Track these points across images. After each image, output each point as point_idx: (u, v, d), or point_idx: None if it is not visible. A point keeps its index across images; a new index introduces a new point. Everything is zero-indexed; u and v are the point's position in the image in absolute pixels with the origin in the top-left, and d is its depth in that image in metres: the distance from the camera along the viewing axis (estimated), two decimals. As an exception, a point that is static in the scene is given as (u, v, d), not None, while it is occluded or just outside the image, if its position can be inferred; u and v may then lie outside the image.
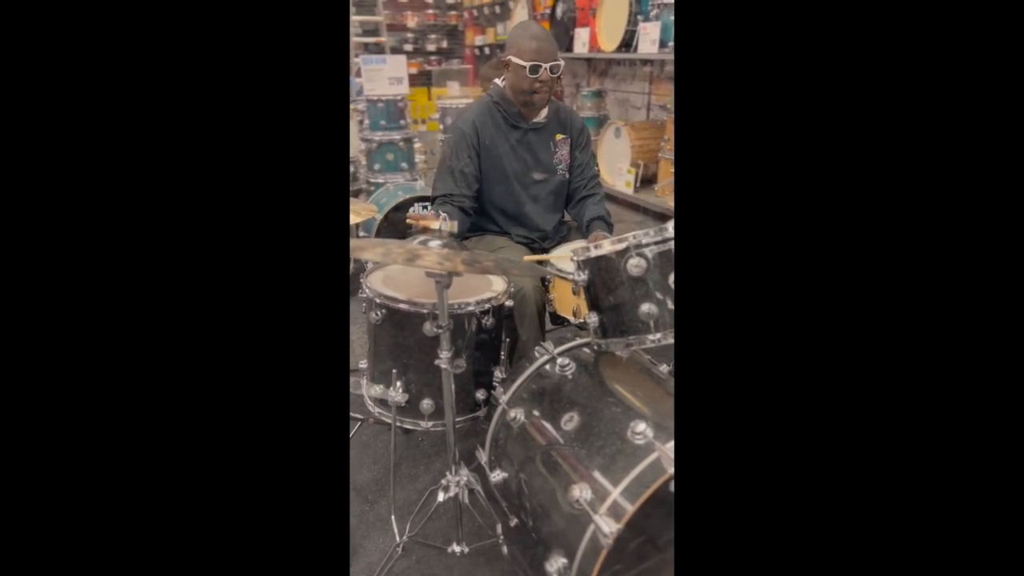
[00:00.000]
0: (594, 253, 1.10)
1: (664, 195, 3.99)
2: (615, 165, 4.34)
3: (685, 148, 0.59)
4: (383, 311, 1.28)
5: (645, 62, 4.62)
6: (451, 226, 1.05)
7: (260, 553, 0.54)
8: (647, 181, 4.26)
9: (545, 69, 1.56)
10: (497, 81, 1.71)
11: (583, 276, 1.13)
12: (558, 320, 1.74)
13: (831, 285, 0.53)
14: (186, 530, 0.52)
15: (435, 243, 1.01)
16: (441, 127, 3.71)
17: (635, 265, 1.03)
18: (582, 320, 1.44)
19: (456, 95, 6.95)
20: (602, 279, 1.10)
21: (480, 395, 1.35)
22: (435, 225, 1.02)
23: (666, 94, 4.56)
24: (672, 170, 3.87)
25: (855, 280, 0.52)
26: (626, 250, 1.05)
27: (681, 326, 0.60)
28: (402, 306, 1.25)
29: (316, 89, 0.57)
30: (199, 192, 0.53)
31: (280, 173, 0.56)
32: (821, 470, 0.51)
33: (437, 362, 1.05)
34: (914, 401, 0.50)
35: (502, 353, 1.40)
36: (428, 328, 1.21)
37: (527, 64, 1.55)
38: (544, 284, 1.51)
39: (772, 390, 0.53)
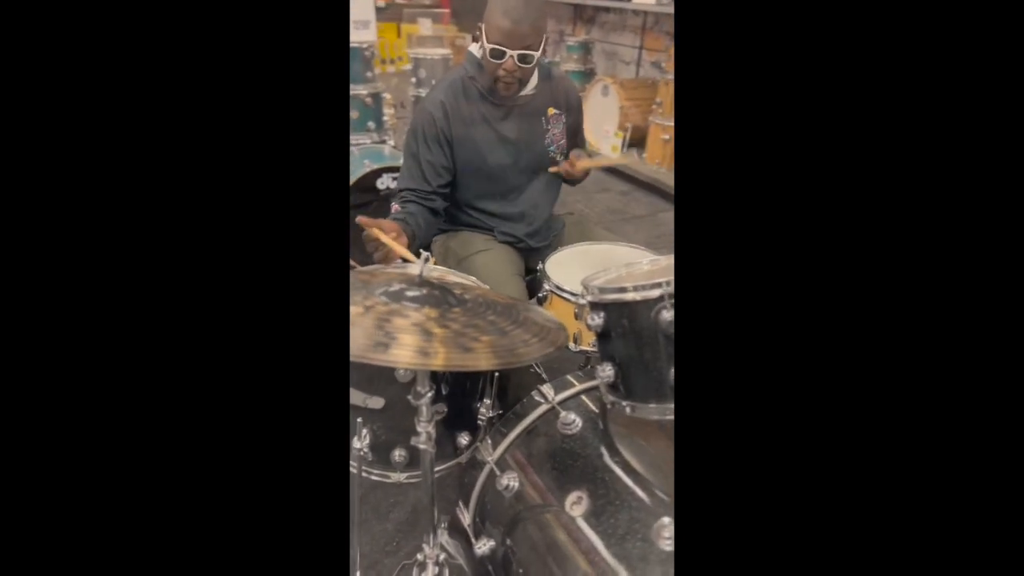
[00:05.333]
0: (614, 297, 0.87)
1: (654, 162, 3.74)
2: (600, 126, 4.03)
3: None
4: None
5: (636, 12, 4.25)
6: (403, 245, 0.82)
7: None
8: (634, 145, 3.99)
9: (511, 58, 1.23)
10: (472, 49, 1.39)
11: (597, 320, 0.91)
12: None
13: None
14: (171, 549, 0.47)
15: (413, 292, 0.76)
16: (414, 80, 3.32)
17: (671, 321, 0.81)
18: (583, 349, 1.23)
19: (428, 34, 6.38)
20: (622, 329, 0.88)
21: (463, 439, 1.14)
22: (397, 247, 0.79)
23: (659, 50, 4.22)
24: (663, 136, 3.61)
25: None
26: (659, 299, 0.82)
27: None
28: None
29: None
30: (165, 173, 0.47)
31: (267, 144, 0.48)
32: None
33: (415, 441, 0.82)
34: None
35: (488, 388, 1.18)
36: (402, 373, 0.98)
37: (488, 46, 1.23)
38: (540, 302, 1.28)
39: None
